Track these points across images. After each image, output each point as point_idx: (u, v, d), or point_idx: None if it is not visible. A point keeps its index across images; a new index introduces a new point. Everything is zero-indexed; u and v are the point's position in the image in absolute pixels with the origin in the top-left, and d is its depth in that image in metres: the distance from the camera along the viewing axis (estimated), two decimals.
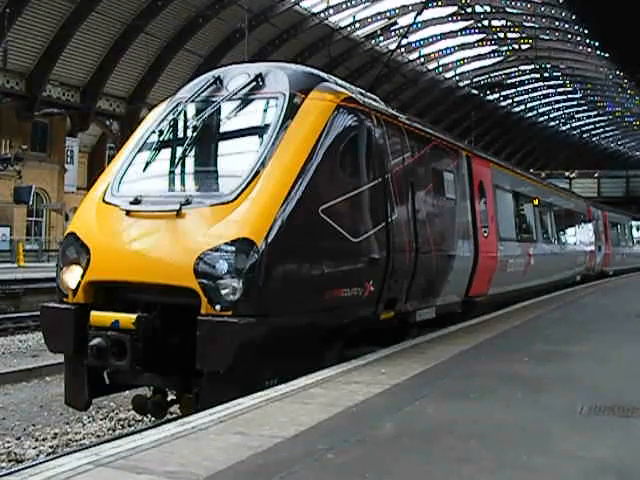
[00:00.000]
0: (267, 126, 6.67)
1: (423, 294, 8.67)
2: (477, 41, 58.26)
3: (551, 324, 10.37)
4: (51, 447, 7.49)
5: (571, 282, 19.76)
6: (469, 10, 52.16)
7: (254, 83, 6.99)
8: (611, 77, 63.63)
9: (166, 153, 7.14)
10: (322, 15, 46.09)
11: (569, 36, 56.30)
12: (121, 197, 6.56)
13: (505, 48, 60.59)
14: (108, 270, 6.23)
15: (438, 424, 4.49)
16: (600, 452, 3.96)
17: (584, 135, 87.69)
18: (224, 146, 7.23)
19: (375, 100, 8.21)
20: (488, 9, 52.80)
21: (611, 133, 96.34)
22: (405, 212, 8.03)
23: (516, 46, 60.23)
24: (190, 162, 6.97)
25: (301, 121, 6.61)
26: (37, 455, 7.22)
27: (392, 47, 48.72)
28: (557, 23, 53.83)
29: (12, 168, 35.26)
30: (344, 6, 46.50)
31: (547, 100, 77.37)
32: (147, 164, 6.95)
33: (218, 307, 5.68)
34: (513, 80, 66.62)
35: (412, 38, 52.86)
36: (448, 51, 58.23)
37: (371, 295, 7.13)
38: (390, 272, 7.41)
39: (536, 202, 15.53)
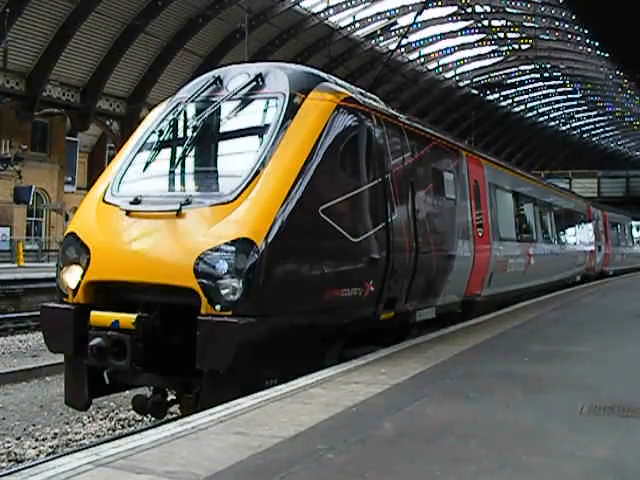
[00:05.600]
0: (267, 126, 6.68)
1: (423, 294, 8.67)
2: (477, 41, 58.21)
3: (551, 324, 10.37)
4: (51, 447, 7.49)
5: (571, 282, 19.76)
6: (469, 10, 52.09)
7: (254, 83, 6.99)
8: (611, 77, 63.60)
9: (166, 153, 7.14)
10: (322, 15, 46.03)
11: (569, 36, 56.25)
12: (121, 197, 6.57)
13: (505, 48, 60.53)
14: (108, 270, 6.23)
15: (438, 424, 4.49)
16: (600, 452, 3.96)
17: (584, 135, 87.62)
18: (224, 146, 7.23)
19: (375, 100, 8.21)
20: (488, 9, 52.73)
21: (611, 133, 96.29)
22: (405, 212, 8.03)
23: (516, 46, 60.17)
24: (190, 162, 6.97)
25: (301, 121, 6.61)
26: (37, 455, 7.22)
27: (392, 47, 48.68)
28: (557, 23, 53.77)
29: (12, 168, 35.22)
30: (344, 6, 46.44)
31: (547, 100, 77.32)
32: (147, 164, 6.96)
33: (218, 307, 5.69)
34: (513, 80, 66.54)
35: (412, 38, 52.80)
36: (448, 51, 58.17)
37: (371, 295, 7.13)
38: (390, 272, 7.41)
39: (536, 202, 15.53)
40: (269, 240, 5.83)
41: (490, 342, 8.18)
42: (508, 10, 52.44)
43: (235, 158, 6.88)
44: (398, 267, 7.59)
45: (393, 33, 50.94)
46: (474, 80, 63.17)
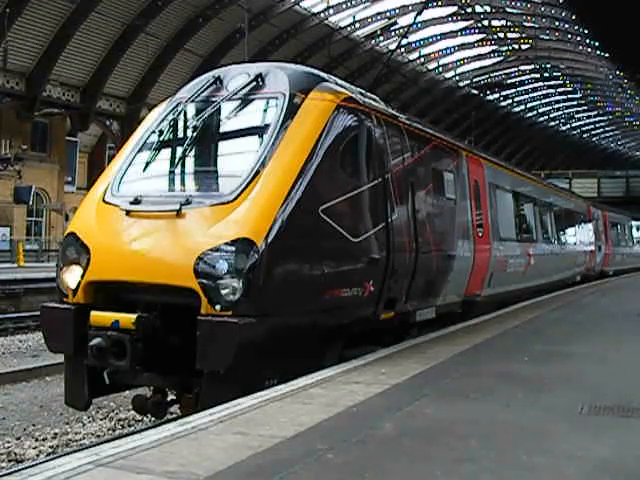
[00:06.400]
0: (267, 126, 6.68)
1: (423, 294, 8.66)
2: (477, 41, 58.24)
3: (551, 324, 10.37)
4: (51, 447, 7.49)
5: (571, 282, 19.76)
6: (469, 10, 52.11)
7: (254, 83, 6.99)
8: (611, 77, 63.61)
9: (166, 153, 7.14)
10: (322, 15, 46.06)
11: (569, 36, 56.28)
12: (121, 197, 6.57)
13: (505, 48, 60.56)
14: (108, 270, 6.23)
15: (438, 424, 4.49)
16: (600, 452, 3.96)
17: (584, 135, 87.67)
18: (224, 146, 7.23)
19: (375, 100, 8.21)
20: (488, 9, 52.76)
21: (611, 133, 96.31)
22: (405, 212, 8.03)
23: (516, 46, 60.21)
24: (190, 162, 6.97)
25: (301, 121, 6.61)
26: (37, 455, 7.22)
27: (392, 47, 48.68)
28: (557, 23, 53.78)
29: (12, 168, 35.23)
30: (344, 6, 46.47)
31: (547, 100, 77.34)
32: (147, 164, 6.96)
33: (218, 307, 5.69)
34: (513, 80, 66.58)
35: (412, 38, 52.83)
36: (448, 51, 58.20)
37: (371, 295, 7.13)
38: (390, 272, 7.41)
39: (536, 202, 15.53)
40: (269, 240, 5.83)
41: (490, 342, 8.18)
42: (508, 10, 52.46)
43: (235, 158, 6.88)
44: (398, 267, 7.59)
45: (393, 33, 50.96)
46: (474, 80, 63.20)
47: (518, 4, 51.28)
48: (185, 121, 7.26)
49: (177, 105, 7.29)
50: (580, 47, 57.69)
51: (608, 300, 15.41)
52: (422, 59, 57.63)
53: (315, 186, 6.41)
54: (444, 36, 55.25)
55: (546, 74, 67.39)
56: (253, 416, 4.64)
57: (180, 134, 7.25)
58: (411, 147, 8.47)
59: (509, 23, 55.47)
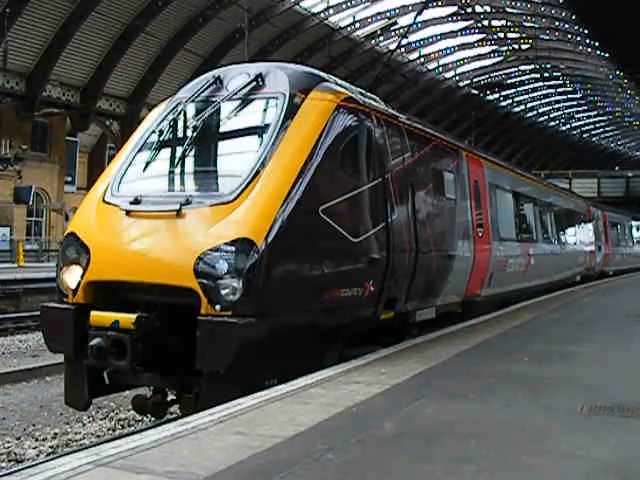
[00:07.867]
0: (267, 126, 6.68)
1: (423, 294, 8.66)
2: (477, 41, 58.22)
3: (551, 324, 10.37)
4: (51, 447, 7.49)
5: (571, 282, 19.76)
6: (469, 10, 52.08)
7: (254, 83, 7.00)
8: (611, 77, 63.61)
9: (166, 153, 7.14)
10: (322, 15, 46.04)
11: (569, 36, 56.26)
12: (121, 197, 6.57)
13: (505, 48, 60.55)
14: (108, 270, 6.23)
15: (438, 424, 4.49)
16: (600, 452, 3.96)
17: (584, 135, 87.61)
18: (224, 146, 7.23)
19: (375, 100, 8.22)
20: (488, 9, 52.74)
21: (611, 133, 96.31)
22: (405, 212, 8.03)
23: (516, 46, 60.19)
24: (190, 162, 6.97)
25: (301, 121, 6.61)
26: (37, 455, 7.22)
27: (392, 47, 48.67)
28: (557, 23, 53.77)
29: (12, 168, 35.22)
30: (344, 6, 46.45)
31: (547, 100, 77.34)
32: (147, 164, 6.96)
33: (218, 307, 5.69)
34: (513, 80, 66.57)
35: (412, 38, 52.81)
36: (448, 51, 58.19)
37: (371, 295, 7.13)
38: (390, 272, 7.41)
39: (536, 202, 15.53)
40: (269, 240, 5.83)
41: (490, 342, 8.19)
42: (508, 10, 52.44)
43: (235, 158, 6.89)
44: (398, 267, 7.59)
45: (393, 33, 50.94)
46: (474, 80, 63.19)
47: (518, 4, 51.25)
48: (185, 121, 7.26)
49: (177, 105, 7.29)
50: (580, 47, 57.68)
51: (608, 300, 15.41)
52: (422, 59, 57.60)
53: (315, 186, 6.41)
54: (444, 36, 55.23)
55: (546, 74, 67.36)
56: (253, 416, 4.64)
57: (180, 134, 7.26)
58: (411, 147, 8.47)
59: (509, 23, 55.45)
